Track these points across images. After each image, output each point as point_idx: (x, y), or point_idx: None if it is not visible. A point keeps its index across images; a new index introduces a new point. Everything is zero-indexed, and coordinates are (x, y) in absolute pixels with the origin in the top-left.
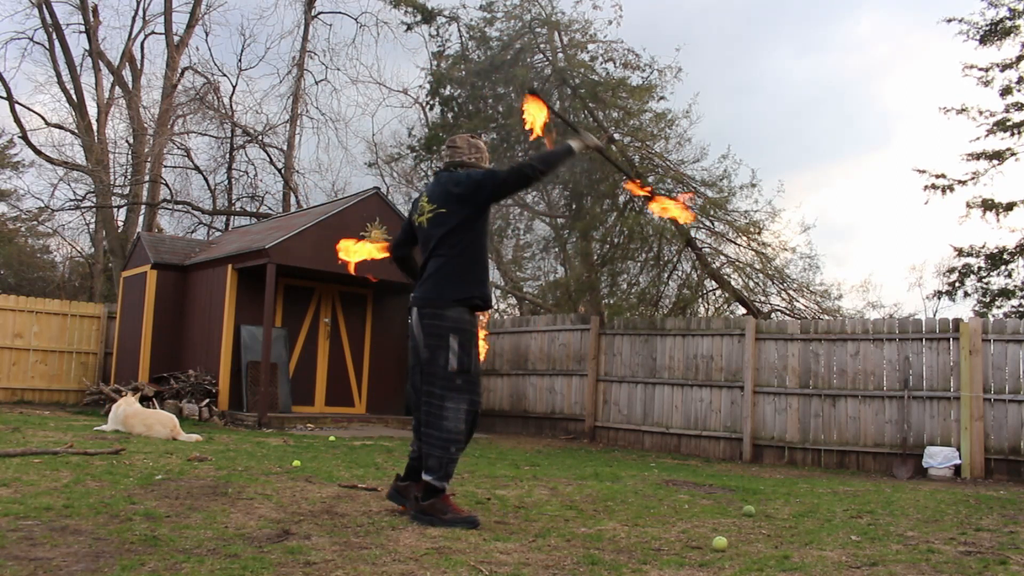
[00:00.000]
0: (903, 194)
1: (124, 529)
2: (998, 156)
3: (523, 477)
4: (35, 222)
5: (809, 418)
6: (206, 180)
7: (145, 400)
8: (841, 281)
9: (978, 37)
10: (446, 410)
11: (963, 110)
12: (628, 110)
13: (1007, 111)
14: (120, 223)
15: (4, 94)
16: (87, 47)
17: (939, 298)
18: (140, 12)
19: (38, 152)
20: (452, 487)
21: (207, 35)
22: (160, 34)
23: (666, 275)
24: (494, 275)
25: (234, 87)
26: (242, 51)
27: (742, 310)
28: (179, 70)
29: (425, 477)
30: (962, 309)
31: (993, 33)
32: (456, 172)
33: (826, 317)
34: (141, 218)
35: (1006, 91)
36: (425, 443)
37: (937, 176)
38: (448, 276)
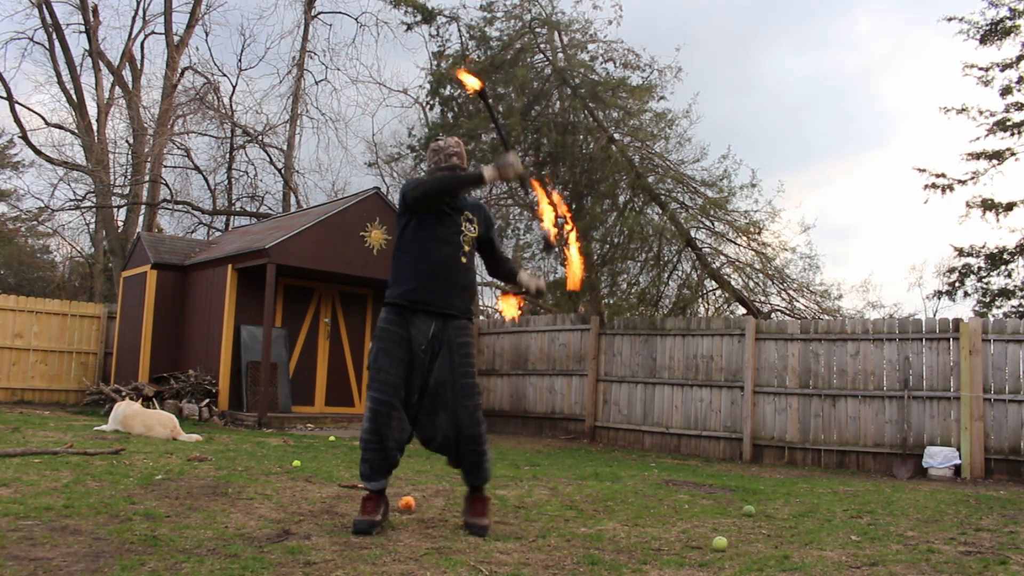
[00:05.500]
0: (903, 193)
1: (124, 529)
2: (998, 156)
3: (523, 477)
4: (35, 222)
5: (809, 418)
6: (206, 180)
7: (145, 400)
8: (841, 281)
9: (978, 37)
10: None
11: (963, 110)
12: (628, 110)
13: (1007, 111)
14: (120, 223)
15: (4, 94)
16: (87, 47)
17: (939, 298)
18: (140, 12)
19: (38, 152)
20: (452, 487)
21: (207, 35)
22: (160, 34)
23: (666, 275)
24: None
25: (234, 87)
26: (242, 51)
27: (742, 310)
28: (179, 70)
29: (481, 484)
30: (962, 309)
31: (993, 33)
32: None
33: (826, 317)
34: (141, 218)
35: (1006, 91)
36: (480, 454)
37: (937, 175)
38: (473, 292)
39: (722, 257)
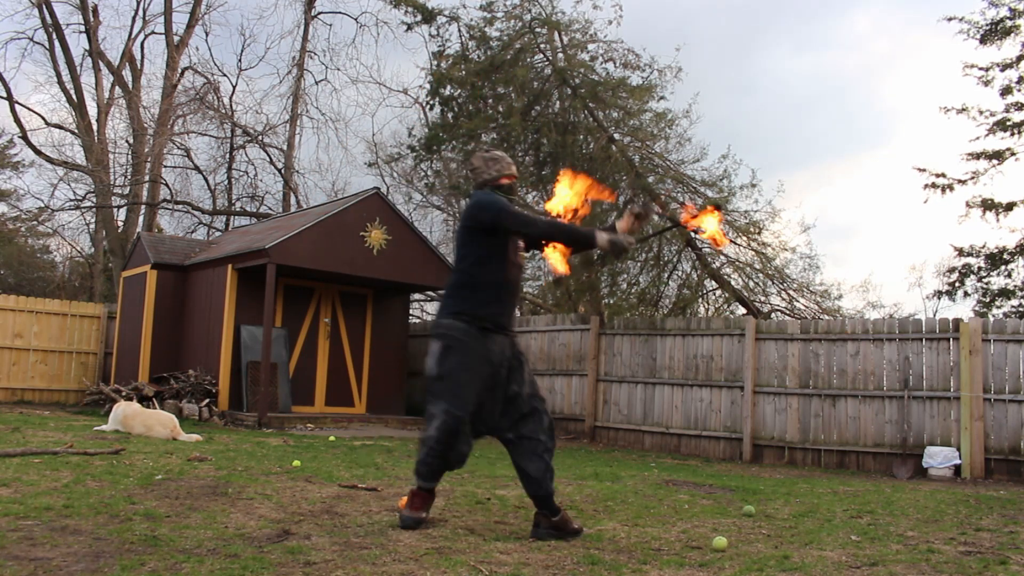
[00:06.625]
0: (903, 193)
1: (124, 529)
2: (998, 156)
3: None
4: (35, 222)
5: (809, 418)
6: (206, 180)
7: (145, 400)
8: (841, 281)
9: (978, 37)
10: None
11: (963, 109)
12: (628, 110)
13: (1007, 111)
14: (120, 223)
15: (4, 94)
16: (87, 47)
17: (939, 298)
18: (140, 12)
19: (38, 152)
20: (452, 487)
21: (207, 35)
22: (160, 34)
23: (666, 275)
24: None
25: (234, 87)
26: (242, 51)
27: (742, 310)
28: (179, 70)
29: (547, 493)
30: (962, 309)
31: (993, 33)
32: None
33: (826, 317)
34: (141, 218)
35: (1006, 91)
36: (549, 462)
37: (937, 175)
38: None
39: (722, 257)
